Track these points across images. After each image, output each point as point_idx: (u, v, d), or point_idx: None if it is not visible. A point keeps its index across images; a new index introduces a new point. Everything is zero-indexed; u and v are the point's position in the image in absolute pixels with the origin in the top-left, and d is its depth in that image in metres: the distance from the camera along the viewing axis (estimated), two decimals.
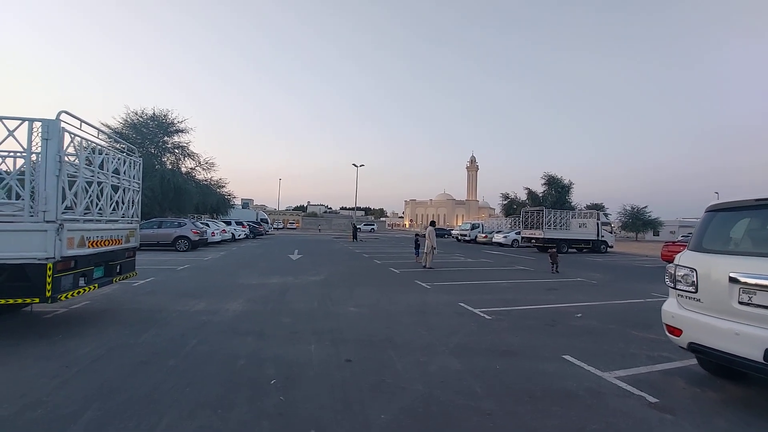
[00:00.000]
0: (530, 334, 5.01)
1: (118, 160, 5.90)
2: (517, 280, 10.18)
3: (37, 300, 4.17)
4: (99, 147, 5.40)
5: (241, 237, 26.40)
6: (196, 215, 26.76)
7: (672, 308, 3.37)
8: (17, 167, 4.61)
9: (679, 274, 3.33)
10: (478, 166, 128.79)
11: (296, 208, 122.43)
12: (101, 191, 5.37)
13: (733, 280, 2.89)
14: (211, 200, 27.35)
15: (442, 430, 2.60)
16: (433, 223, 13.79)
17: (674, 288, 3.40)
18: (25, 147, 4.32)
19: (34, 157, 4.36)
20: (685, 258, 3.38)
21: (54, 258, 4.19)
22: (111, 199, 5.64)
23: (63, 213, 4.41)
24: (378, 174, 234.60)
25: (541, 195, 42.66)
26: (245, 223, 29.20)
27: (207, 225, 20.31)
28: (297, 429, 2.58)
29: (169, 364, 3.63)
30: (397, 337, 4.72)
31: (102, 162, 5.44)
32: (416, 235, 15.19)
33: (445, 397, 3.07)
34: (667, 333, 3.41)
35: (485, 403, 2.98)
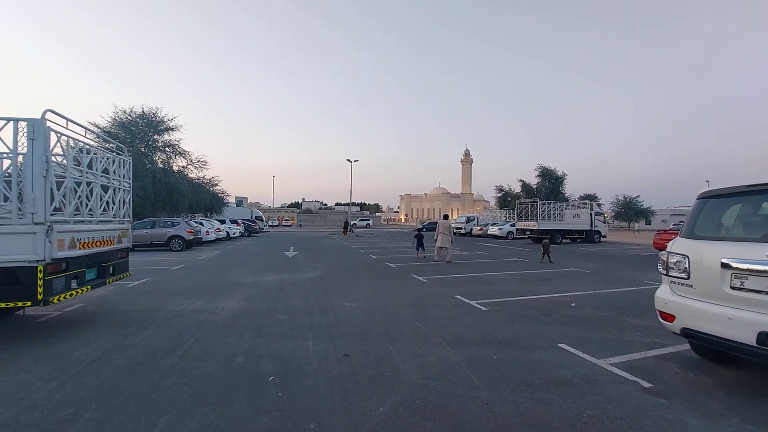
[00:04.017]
0: (526, 324, 5.06)
1: (107, 159, 5.81)
2: (512, 272, 10.25)
3: (29, 303, 4.12)
4: (87, 146, 5.31)
5: (236, 235, 26.28)
6: (189, 214, 26.47)
7: (665, 295, 3.42)
8: (4, 169, 4.53)
9: (672, 261, 3.37)
10: (472, 159, 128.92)
11: (291, 205, 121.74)
12: (91, 192, 5.29)
13: (725, 265, 2.93)
14: (205, 199, 27.05)
15: (440, 420, 2.62)
16: (446, 217, 13.64)
17: (667, 275, 3.44)
18: (11, 148, 4.23)
19: (20, 158, 4.28)
20: (678, 245, 3.41)
21: (44, 260, 4.13)
22: (101, 199, 5.56)
23: (52, 214, 4.34)
24: (373, 169, 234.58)
25: (535, 187, 42.93)
26: (240, 221, 29.05)
27: (201, 224, 20.12)
28: (296, 423, 2.58)
29: (167, 364, 3.61)
30: (394, 330, 4.73)
31: (90, 162, 5.35)
32: (418, 230, 14.94)
33: (443, 388, 3.09)
34: (661, 319, 3.45)
35: (482, 393, 3.01)
